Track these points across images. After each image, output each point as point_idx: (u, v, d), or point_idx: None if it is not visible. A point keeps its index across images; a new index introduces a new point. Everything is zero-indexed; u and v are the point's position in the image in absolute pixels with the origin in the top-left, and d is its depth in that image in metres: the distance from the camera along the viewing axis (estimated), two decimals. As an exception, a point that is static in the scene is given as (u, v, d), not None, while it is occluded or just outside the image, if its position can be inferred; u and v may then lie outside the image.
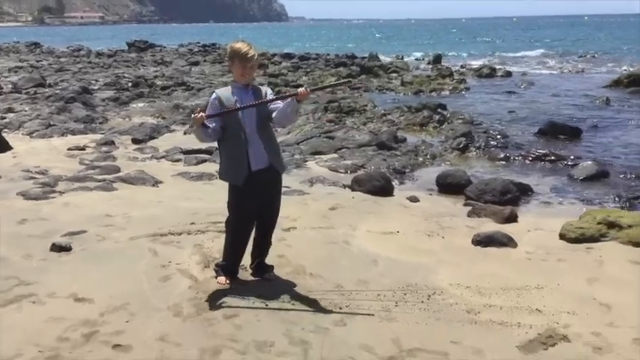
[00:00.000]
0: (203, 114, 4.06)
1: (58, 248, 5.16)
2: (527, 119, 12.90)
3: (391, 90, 18.57)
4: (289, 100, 4.15)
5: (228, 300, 4.17)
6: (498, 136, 10.74)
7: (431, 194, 7.62)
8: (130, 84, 18.71)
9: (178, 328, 3.78)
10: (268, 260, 4.68)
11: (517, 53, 38.32)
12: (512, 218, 6.26)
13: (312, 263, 4.90)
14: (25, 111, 13.27)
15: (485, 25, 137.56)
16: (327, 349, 3.53)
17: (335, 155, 9.53)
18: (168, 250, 5.16)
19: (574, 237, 5.53)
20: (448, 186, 7.67)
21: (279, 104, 4.23)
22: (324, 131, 10.99)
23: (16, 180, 7.66)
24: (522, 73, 24.28)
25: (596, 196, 7.38)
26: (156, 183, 7.69)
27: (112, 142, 10.01)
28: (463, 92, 18.23)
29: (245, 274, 4.61)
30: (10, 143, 9.58)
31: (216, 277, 4.51)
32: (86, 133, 11.01)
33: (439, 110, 12.77)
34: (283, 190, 7.40)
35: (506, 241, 5.45)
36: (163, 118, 12.80)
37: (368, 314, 3.99)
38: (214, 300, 4.17)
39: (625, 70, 23.37)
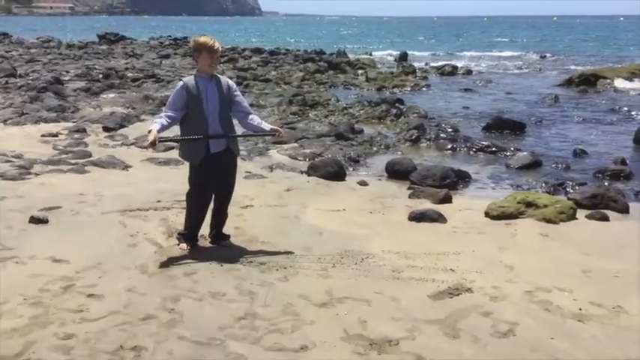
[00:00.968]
0: (153, 139, 4.66)
1: (36, 220, 5.74)
2: (479, 115, 13.74)
3: (356, 86, 19.29)
4: (267, 129, 4.97)
5: (188, 261, 4.83)
6: (449, 130, 11.52)
7: (380, 179, 8.35)
8: (100, 75, 19.07)
9: (144, 282, 4.43)
10: (226, 232, 5.35)
11: (481, 52, 39.41)
12: (446, 199, 7.02)
13: (265, 233, 5.58)
14: (-2, 100, 13.62)
15: (457, 23, 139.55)
16: (270, 298, 4.21)
17: (295, 145, 10.20)
18: (136, 223, 5.79)
19: (496, 214, 6.32)
20: (396, 172, 8.41)
21: (244, 104, 4.96)
22: (287, 122, 11.67)
23: (-7, 163, 8.14)
24: (482, 72, 25.27)
25: (526, 183, 8.19)
26: (126, 167, 8.26)
27: (84, 130, 10.52)
28: (424, 89, 19.05)
29: (205, 242, 5.27)
30: (-15, 130, 10.01)
31: (178, 244, 5.17)
32: (58, 122, 11.46)
33: (397, 105, 13.56)
34: (245, 174, 8.17)
35: (437, 217, 6.21)
36: (133, 108, 13.31)
37: (308, 272, 4.69)
38: (176, 261, 4.83)
39: (574, 68, 24.56)
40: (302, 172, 8.44)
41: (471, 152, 10.05)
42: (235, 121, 5.19)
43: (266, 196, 6.94)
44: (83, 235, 5.41)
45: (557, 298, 4.29)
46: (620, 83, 19.03)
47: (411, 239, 5.58)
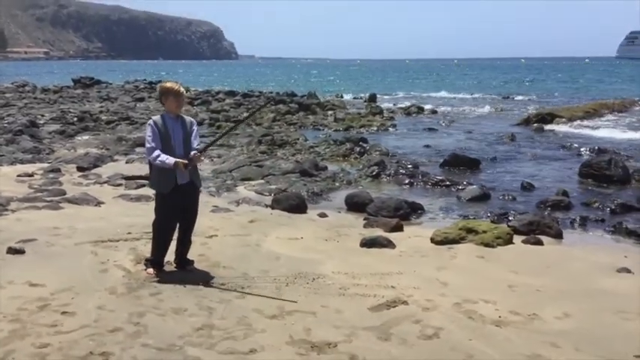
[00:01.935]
0: (185, 163, 5.26)
1: (13, 251, 6.17)
2: (439, 153, 14.49)
3: (325, 126, 20.04)
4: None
5: (154, 284, 5.32)
6: (409, 166, 12.23)
7: (339, 212, 8.94)
8: (75, 118, 19.55)
9: (113, 302, 4.90)
10: (190, 258, 5.85)
11: (448, 94, 40.80)
12: (398, 228, 7.63)
13: (226, 259, 6.10)
14: (-26, 143, 14.00)
15: (427, 66, 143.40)
16: (227, 312, 4.72)
17: (262, 181, 10.78)
18: (107, 252, 6.26)
19: (440, 240, 6.93)
20: (354, 205, 9.01)
21: (196, 141, 5.50)
22: (255, 160, 12.27)
23: (-29, 201, 8.54)
24: (447, 112, 26.33)
25: (474, 213, 8.84)
26: (98, 203, 8.73)
27: (59, 170, 10.97)
28: (390, 128, 19.90)
29: (170, 267, 5.75)
30: (-38, 170, 10.41)
31: (145, 269, 5.65)
32: (34, 163, 11.90)
33: (360, 143, 14.29)
34: (212, 208, 8.69)
35: (386, 243, 6.80)
36: (107, 149, 13.80)
37: (263, 291, 5.21)
38: (143, 284, 5.31)
39: (533, 108, 25.80)
40: (266, 206, 8.99)
41: (427, 186, 10.72)
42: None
43: (230, 227, 7.47)
44: (57, 263, 5.86)
45: (481, 308, 4.87)
46: (572, 121, 20.10)
47: (360, 262, 6.14)
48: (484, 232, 6.99)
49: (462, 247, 6.73)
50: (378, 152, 13.44)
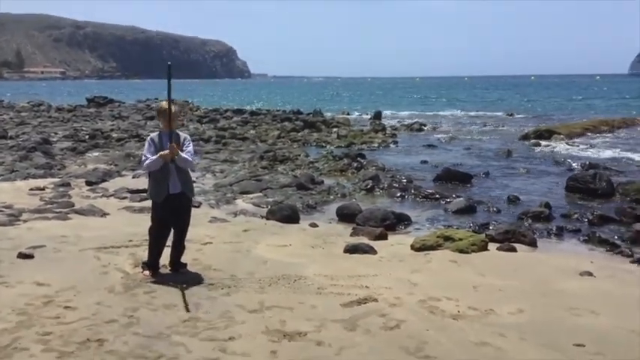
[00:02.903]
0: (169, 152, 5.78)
1: (23, 256, 6.74)
2: (434, 168, 14.98)
3: (328, 143, 20.59)
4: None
5: (149, 284, 5.85)
6: (403, 180, 12.72)
7: (330, 222, 9.46)
8: (87, 136, 20.30)
9: (110, 299, 5.44)
10: (184, 262, 6.39)
11: (453, 110, 41.33)
12: (382, 236, 8.13)
13: (218, 263, 6.62)
14: (-10, 159, 14.73)
15: (437, 83, 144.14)
16: (212, 307, 5.24)
17: (260, 194, 11.33)
18: (108, 257, 6.82)
19: (418, 247, 7.42)
20: (345, 216, 9.53)
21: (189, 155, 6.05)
22: (255, 175, 12.84)
23: (-14, 212, 9.16)
24: (449, 129, 26.84)
25: (459, 224, 9.31)
26: (104, 214, 9.31)
27: (68, 184, 11.60)
28: (391, 145, 20.43)
29: (165, 270, 6.29)
30: (-22, 185, 11.07)
31: (142, 271, 6.19)
32: (45, 177, 12.54)
33: (358, 159, 14.84)
34: (210, 218, 9.22)
35: (368, 250, 7.29)
36: (116, 165, 14.44)
37: (247, 290, 5.72)
38: (139, 284, 5.85)
39: (534, 125, 26.26)
40: (262, 217, 9.52)
41: (418, 199, 11.22)
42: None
43: (225, 235, 8.01)
44: (63, 266, 6.42)
45: (443, 305, 5.35)
46: (570, 138, 20.51)
47: (341, 266, 6.64)
48: (460, 239, 7.47)
49: (438, 253, 7.21)
50: (374, 167, 13.97)
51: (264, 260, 6.82)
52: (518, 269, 6.61)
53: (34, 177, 12.48)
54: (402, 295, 5.63)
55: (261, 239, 7.87)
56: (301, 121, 25.90)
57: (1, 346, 4.36)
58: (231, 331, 4.71)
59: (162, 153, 5.83)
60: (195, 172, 13.82)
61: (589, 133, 22.19)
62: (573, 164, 15.27)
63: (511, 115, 36.23)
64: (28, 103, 39.64)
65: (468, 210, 10.15)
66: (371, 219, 8.99)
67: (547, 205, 10.11)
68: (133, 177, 12.83)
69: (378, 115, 31.37)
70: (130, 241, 7.58)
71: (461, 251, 7.24)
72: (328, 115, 31.84)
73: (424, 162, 16.20)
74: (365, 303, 5.40)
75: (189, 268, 6.39)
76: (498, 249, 7.49)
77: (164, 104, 6.17)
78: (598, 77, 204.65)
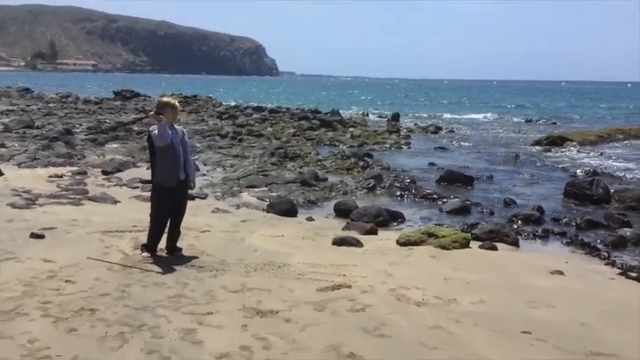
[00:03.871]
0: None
1: (35, 236, 7.34)
2: (441, 170, 15.29)
3: (341, 142, 21.03)
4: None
5: (146, 264, 6.39)
6: (407, 180, 13.10)
7: (327, 217, 9.91)
8: (109, 129, 21.06)
9: (108, 275, 5.98)
10: (180, 246, 6.91)
11: (474, 114, 41.41)
12: (372, 231, 8.56)
13: (211, 249, 7.14)
14: (15, 147, 15.54)
15: (465, 87, 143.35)
16: (197, 287, 5.74)
17: (265, 189, 11.84)
18: (112, 240, 7.38)
19: (403, 242, 7.84)
20: (341, 211, 9.97)
21: (187, 147, 6.64)
22: (262, 170, 13.36)
23: (7, 196, 9.81)
24: (464, 133, 27.06)
25: (451, 223, 9.68)
26: (115, 202, 9.91)
27: (85, 173, 12.27)
28: (403, 146, 20.78)
29: (162, 253, 6.82)
30: (3, 171, 11.77)
31: (141, 253, 6.74)
32: (65, 166, 13.23)
33: (365, 158, 15.27)
34: (213, 209, 9.73)
35: (355, 243, 7.74)
36: (133, 156, 15.10)
37: (234, 273, 6.22)
38: (136, 264, 6.39)
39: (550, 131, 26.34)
40: (263, 210, 10.02)
41: (416, 199, 11.61)
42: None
43: (223, 225, 8.52)
44: (70, 246, 6.99)
45: (411, 293, 5.78)
46: (583, 145, 20.62)
47: (325, 256, 7.10)
48: (443, 236, 7.86)
49: (421, 249, 7.62)
50: (379, 167, 14.38)
51: (255, 248, 7.31)
52: (493, 266, 6.98)
53: (55, 165, 13.18)
54: (375, 283, 6.06)
55: (256, 230, 8.36)
56: (318, 120, 26.35)
57: (5, 311, 4.92)
58: (210, 307, 5.20)
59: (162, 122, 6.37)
60: (207, 166, 14.44)
61: (603, 141, 22.25)
62: (578, 171, 15.46)
63: (530, 120, 36.20)
64: (56, 94, 40.82)
65: (462, 210, 10.51)
66: (365, 215, 9.42)
67: (539, 209, 10.41)
68: (147, 168, 13.41)
69: (396, 117, 31.69)
70: (135, 226, 8.12)
71: (443, 247, 7.63)
72: (347, 114, 32.24)
73: (432, 164, 16.53)
74: (339, 289, 5.85)
75: (184, 252, 6.91)
76: (480, 247, 7.86)
77: (167, 99, 6.78)
78: (629, 85, 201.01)
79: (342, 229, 8.74)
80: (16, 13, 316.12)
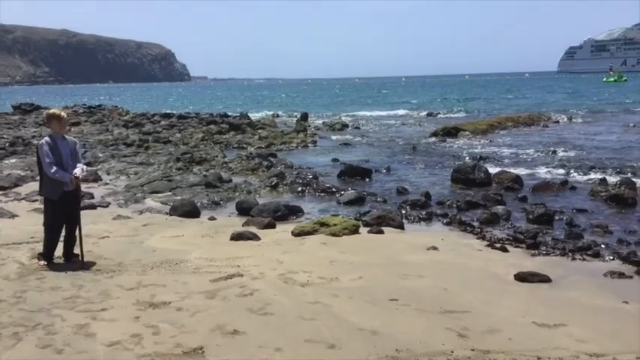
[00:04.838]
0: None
1: None
2: (341, 165, 16.03)
3: (249, 144, 21.40)
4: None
5: (42, 272, 6.56)
6: (309, 176, 13.69)
7: (230, 216, 10.31)
8: (7, 144, 20.37)
9: (4, 284, 6.12)
10: (77, 253, 7.10)
11: (379, 111, 42.91)
12: (270, 225, 9.05)
13: (109, 253, 7.37)
14: None
15: (376, 84, 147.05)
16: (93, 287, 6.00)
17: (169, 193, 12.06)
18: (9, 252, 7.45)
19: (297, 232, 8.38)
20: (243, 209, 10.40)
21: (79, 156, 6.85)
22: (166, 175, 13.54)
23: None
24: (368, 128, 28.17)
25: (347, 213, 10.34)
26: (12, 216, 9.85)
27: (-19, 190, 11.99)
28: (309, 145, 21.43)
29: (59, 260, 6.99)
30: None
31: (38, 262, 6.88)
32: (-41, 184, 12.85)
33: (269, 158, 15.75)
34: (114, 216, 9.84)
35: (252, 237, 8.19)
36: (32, 170, 14.80)
37: (130, 273, 6.52)
38: (33, 272, 6.54)
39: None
40: (166, 214, 10.28)
41: (317, 193, 12.21)
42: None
43: (123, 230, 8.74)
44: (-36, 261, 7.02)
45: (297, 276, 6.31)
46: (475, 134, 22.09)
47: (222, 251, 7.52)
48: (334, 225, 8.48)
49: (314, 237, 8.19)
50: (283, 165, 14.91)
51: (154, 249, 7.61)
52: (376, 247, 7.65)
53: (-53, 184, 12.75)
54: (267, 270, 6.55)
55: (157, 232, 8.64)
56: (227, 124, 26.59)
57: None
58: (105, 304, 5.50)
59: (72, 177, 6.60)
60: (110, 175, 14.43)
61: (494, 130, 23.88)
62: (467, 159, 16.66)
63: (431, 114, 38.00)
64: (-52, 111, 38.55)
65: (357, 201, 11.21)
66: (264, 211, 9.90)
67: (427, 195, 11.28)
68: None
69: (304, 117, 32.39)
70: (32, 238, 8.18)
71: (333, 235, 8.24)
72: (257, 116, 32.61)
73: (335, 160, 17.25)
74: (231, 278, 6.29)
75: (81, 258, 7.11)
76: (369, 232, 8.53)
77: (53, 110, 6.94)
78: (527, 75, 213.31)
79: (242, 225, 9.16)
80: None
